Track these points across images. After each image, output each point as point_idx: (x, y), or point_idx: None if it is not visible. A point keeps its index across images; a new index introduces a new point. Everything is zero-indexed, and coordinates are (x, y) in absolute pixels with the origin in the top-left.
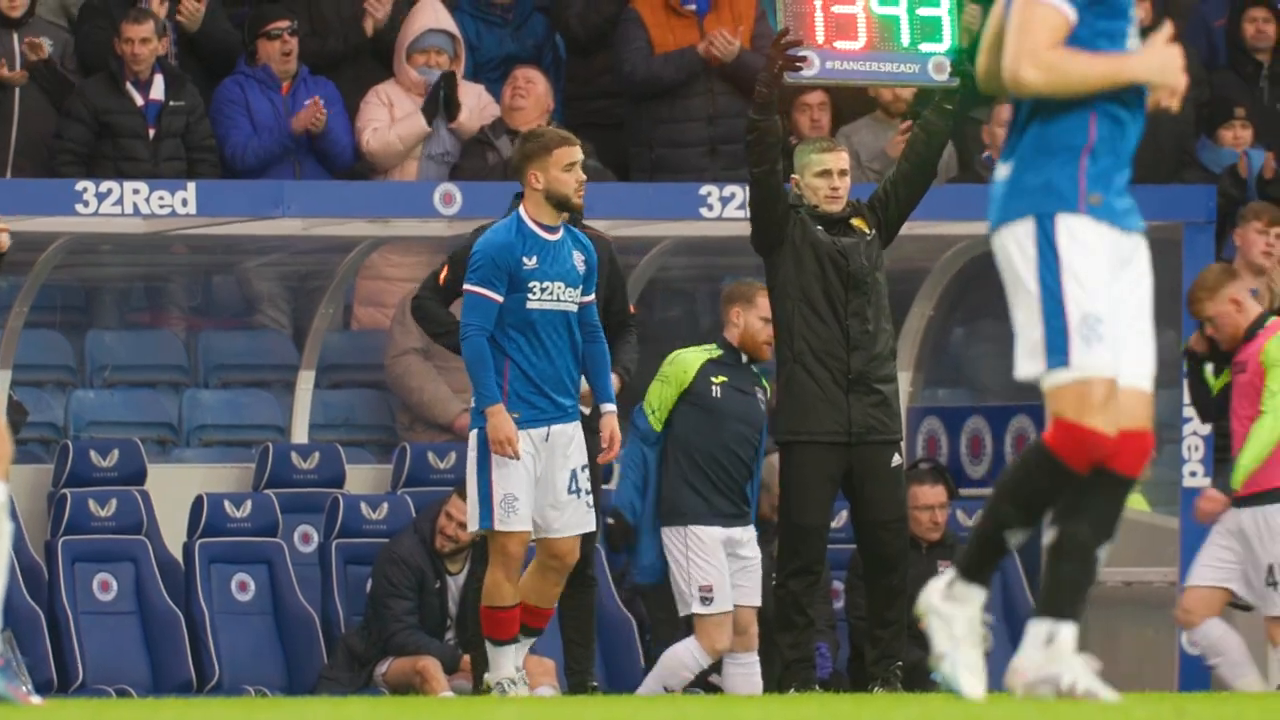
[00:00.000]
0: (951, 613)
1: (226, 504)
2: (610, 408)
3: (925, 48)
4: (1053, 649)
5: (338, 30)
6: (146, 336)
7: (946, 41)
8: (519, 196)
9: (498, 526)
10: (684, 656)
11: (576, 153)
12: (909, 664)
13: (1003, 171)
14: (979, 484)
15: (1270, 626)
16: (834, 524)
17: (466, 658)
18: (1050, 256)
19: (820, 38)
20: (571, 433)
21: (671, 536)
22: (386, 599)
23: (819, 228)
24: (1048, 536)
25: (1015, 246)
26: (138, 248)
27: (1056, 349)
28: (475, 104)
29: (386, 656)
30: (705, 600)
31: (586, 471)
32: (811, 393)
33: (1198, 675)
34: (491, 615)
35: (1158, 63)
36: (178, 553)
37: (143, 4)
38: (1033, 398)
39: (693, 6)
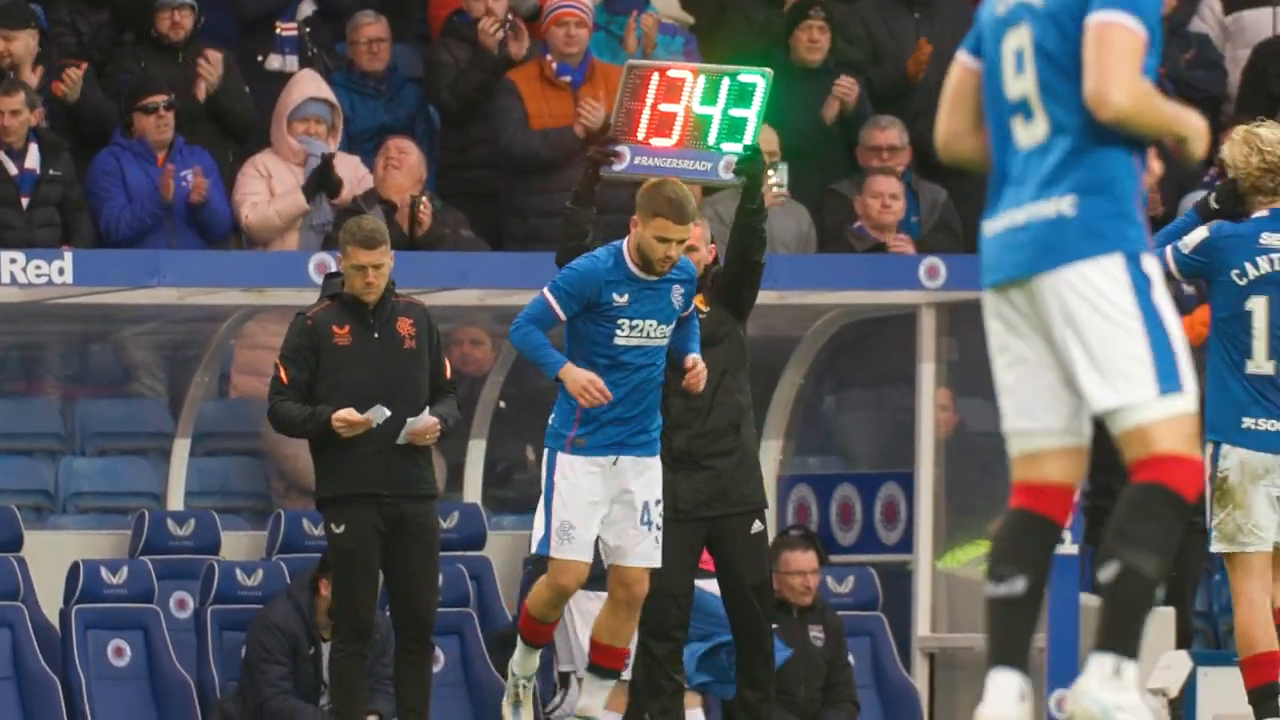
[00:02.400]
0: (1134, 702)
1: (103, 570)
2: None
3: (726, 147)
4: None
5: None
6: (23, 405)
7: (746, 142)
8: (333, 276)
9: (553, 553)
10: None
11: (674, 230)
12: None
13: (1026, 214)
14: (849, 550)
15: None
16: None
17: None
18: (1145, 286)
19: (641, 134)
20: (645, 465)
21: None
22: (260, 664)
23: None
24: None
25: (1103, 277)
26: (14, 316)
27: (1169, 374)
28: (352, 175)
29: None
30: None
31: (660, 506)
32: None
33: None
34: (529, 620)
35: (1200, 124)
36: (54, 619)
37: (12, 76)
38: (902, 465)
39: (568, 78)
